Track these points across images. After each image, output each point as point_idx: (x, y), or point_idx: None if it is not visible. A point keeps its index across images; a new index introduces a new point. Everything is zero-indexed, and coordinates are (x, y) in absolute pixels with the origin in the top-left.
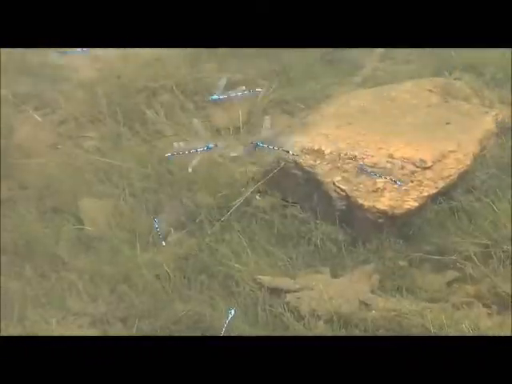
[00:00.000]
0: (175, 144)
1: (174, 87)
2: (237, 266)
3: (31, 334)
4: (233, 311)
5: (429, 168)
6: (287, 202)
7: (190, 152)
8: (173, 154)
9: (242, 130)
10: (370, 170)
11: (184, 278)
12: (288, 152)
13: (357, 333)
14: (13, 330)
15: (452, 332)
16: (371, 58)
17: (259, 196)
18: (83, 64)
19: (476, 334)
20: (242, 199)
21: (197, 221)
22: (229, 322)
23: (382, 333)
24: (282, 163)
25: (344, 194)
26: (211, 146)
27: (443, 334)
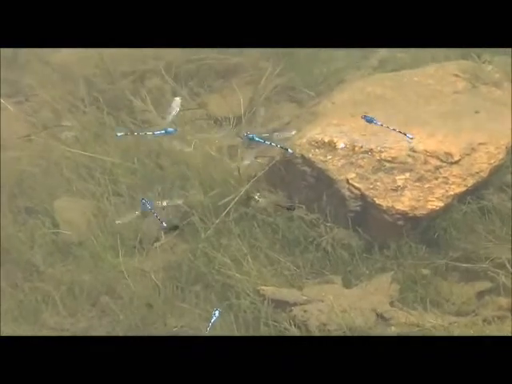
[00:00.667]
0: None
1: (163, 71)
2: (236, 275)
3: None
4: (217, 312)
5: (456, 163)
6: (293, 202)
7: (145, 134)
8: (126, 134)
9: (243, 119)
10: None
11: (176, 288)
12: (286, 150)
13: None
14: None
15: None
16: None
17: (259, 196)
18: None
19: None
20: (236, 197)
21: (185, 222)
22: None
23: None
24: (277, 157)
25: (359, 192)
26: (171, 130)
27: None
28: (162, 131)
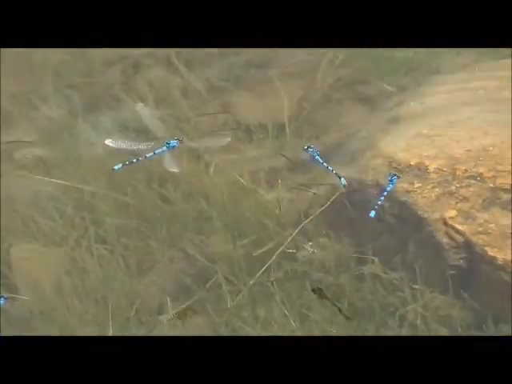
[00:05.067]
0: (109, 142)
1: (174, 54)
2: None
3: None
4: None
5: None
6: (365, 253)
7: (145, 158)
8: (124, 165)
9: (288, 129)
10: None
11: None
12: (339, 178)
13: None
14: None
15: None
16: None
17: (311, 246)
18: None
19: None
20: (278, 246)
21: (207, 286)
22: None
23: None
24: (343, 183)
25: (462, 239)
26: (174, 143)
27: None
28: (164, 148)
